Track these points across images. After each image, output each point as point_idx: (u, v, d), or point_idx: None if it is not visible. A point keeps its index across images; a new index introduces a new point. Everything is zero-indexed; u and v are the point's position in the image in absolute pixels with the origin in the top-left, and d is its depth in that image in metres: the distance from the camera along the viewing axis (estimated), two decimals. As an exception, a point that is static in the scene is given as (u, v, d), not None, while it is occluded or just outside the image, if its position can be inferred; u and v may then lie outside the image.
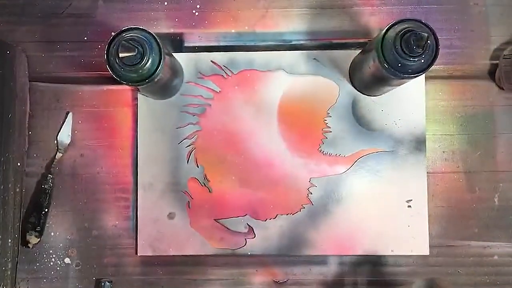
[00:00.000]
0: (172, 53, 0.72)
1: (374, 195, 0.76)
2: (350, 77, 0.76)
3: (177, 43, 0.78)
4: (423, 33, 0.58)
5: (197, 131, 0.77)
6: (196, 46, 0.78)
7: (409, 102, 0.76)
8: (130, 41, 0.60)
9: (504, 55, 0.75)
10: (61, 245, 0.77)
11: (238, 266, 0.77)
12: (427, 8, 0.78)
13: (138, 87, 0.65)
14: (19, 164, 0.76)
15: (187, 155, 0.77)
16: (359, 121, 0.76)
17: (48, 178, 0.76)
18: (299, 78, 0.77)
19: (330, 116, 0.76)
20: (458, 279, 0.76)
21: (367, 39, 0.77)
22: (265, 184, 0.76)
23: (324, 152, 0.76)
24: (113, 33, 0.62)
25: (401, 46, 0.59)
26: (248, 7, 0.78)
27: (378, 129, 0.76)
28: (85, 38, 0.79)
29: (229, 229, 0.76)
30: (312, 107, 0.77)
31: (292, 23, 0.78)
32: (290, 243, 0.76)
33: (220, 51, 0.77)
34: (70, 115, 0.78)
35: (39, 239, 0.76)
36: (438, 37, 0.60)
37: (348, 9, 0.78)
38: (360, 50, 0.73)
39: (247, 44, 0.78)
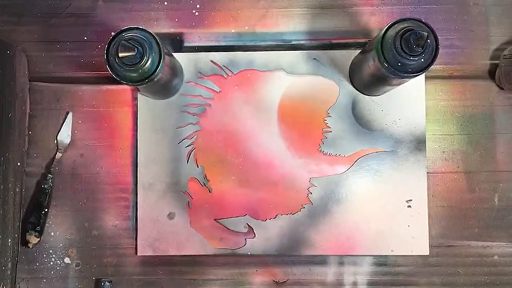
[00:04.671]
0: (172, 53, 0.72)
1: (374, 195, 0.76)
2: (350, 77, 0.76)
3: (177, 43, 0.78)
4: (423, 32, 0.58)
5: (197, 131, 0.77)
6: (196, 46, 0.78)
7: (409, 102, 0.76)
8: (130, 41, 0.60)
9: (504, 55, 0.75)
10: (61, 245, 0.77)
11: (238, 266, 0.77)
12: (427, 8, 0.78)
13: (138, 87, 0.65)
14: (19, 164, 0.76)
15: (187, 155, 0.77)
16: (359, 121, 0.76)
17: (48, 178, 0.76)
18: (299, 78, 0.77)
19: (330, 116, 0.76)
20: (458, 279, 0.76)
21: (367, 39, 0.77)
22: (265, 184, 0.76)
23: (324, 152, 0.76)
24: (113, 33, 0.62)
25: (401, 46, 0.59)
26: (248, 7, 0.78)
27: (378, 129, 0.76)
28: (85, 38, 0.79)
29: (229, 229, 0.76)
30: (312, 107, 0.77)
31: (292, 23, 0.78)
32: (290, 243, 0.76)
33: (220, 51, 0.77)
34: (70, 115, 0.78)
35: (39, 239, 0.76)
36: (438, 37, 0.60)
37: (348, 9, 0.78)
38: (360, 50, 0.73)
39: (247, 44, 0.78)
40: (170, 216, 0.76)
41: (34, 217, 0.76)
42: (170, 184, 0.77)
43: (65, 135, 0.78)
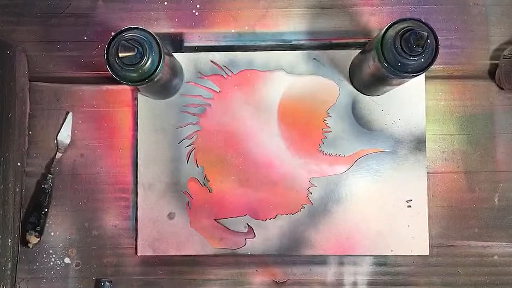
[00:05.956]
0: (172, 53, 0.72)
1: (374, 195, 0.76)
2: (350, 77, 0.76)
3: (177, 43, 0.78)
4: (423, 32, 0.58)
5: (197, 131, 0.77)
6: (196, 46, 0.78)
7: (409, 102, 0.76)
8: (130, 41, 0.60)
9: (504, 55, 0.75)
10: (61, 245, 0.77)
11: (238, 266, 0.77)
12: (427, 8, 0.78)
13: (138, 87, 0.65)
14: (19, 164, 0.76)
15: (187, 155, 0.77)
16: (359, 121, 0.76)
17: (48, 178, 0.76)
18: (299, 78, 0.77)
19: (330, 116, 0.76)
20: (458, 279, 0.76)
21: (367, 39, 0.77)
22: (265, 184, 0.76)
23: (324, 152, 0.76)
24: (113, 33, 0.62)
25: (401, 45, 0.59)
26: (248, 7, 0.78)
27: (378, 129, 0.76)
28: (85, 38, 0.79)
29: (229, 229, 0.76)
30: (312, 107, 0.77)
31: (292, 23, 0.78)
32: (290, 243, 0.76)
33: (220, 51, 0.77)
34: (70, 115, 0.78)
35: (39, 239, 0.76)
36: (438, 37, 0.60)
37: (348, 9, 0.78)
38: (360, 50, 0.73)
39: (247, 44, 0.78)
40: (170, 216, 0.76)
41: (34, 217, 0.76)
42: (170, 184, 0.77)
43: (65, 135, 0.78)
